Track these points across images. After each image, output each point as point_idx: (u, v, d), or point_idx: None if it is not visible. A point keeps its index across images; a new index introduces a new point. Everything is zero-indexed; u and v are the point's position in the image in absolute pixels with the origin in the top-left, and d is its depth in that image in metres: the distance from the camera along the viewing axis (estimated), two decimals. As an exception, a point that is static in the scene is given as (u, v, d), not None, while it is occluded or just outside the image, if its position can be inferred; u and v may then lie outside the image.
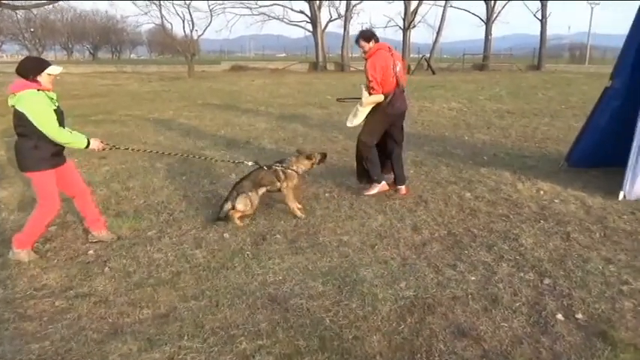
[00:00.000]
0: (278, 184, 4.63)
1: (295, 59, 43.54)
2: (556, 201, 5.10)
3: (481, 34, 40.02)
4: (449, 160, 6.93)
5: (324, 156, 4.93)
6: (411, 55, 38.79)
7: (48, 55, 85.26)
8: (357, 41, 5.07)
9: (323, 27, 37.15)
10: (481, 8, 39.62)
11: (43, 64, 3.68)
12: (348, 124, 5.30)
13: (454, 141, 8.48)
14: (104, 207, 5.09)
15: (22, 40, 78.96)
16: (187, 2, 30.91)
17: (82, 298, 3.20)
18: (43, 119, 3.54)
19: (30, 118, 3.50)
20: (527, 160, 6.95)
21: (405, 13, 36.91)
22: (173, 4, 42.17)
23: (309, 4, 36.52)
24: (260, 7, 38.16)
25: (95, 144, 3.88)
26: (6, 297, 3.26)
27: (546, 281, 3.38)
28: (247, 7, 37.97)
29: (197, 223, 4.57)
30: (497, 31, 39.11)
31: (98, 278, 3.49)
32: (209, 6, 33.73)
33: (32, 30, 67.74)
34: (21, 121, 3.55)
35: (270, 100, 15.03)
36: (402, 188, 5.33)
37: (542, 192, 5.40)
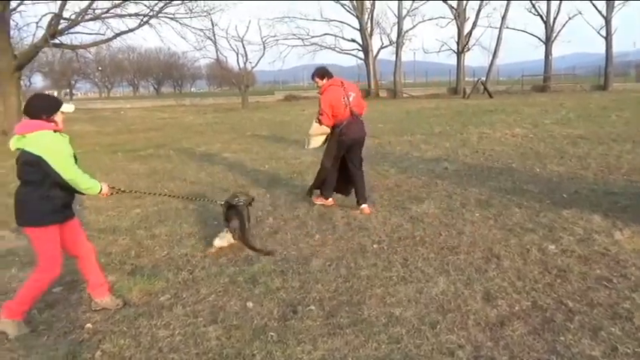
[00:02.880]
0: None
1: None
2: (671, 257, 3.97)
3: (539, 54, 38.15)
4: (520, 199, 5.88)
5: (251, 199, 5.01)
6: (466, 79, 37.43)
7: (116, 92, 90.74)
8: (312, 77, 5.68)
9: (375, 54, 36.69)
10: (539, 28, 37.66)
11: (58, 102, 3.29)
12: (305, 147, 6.04)
13: (524, 174, 7.38)
14: (121, 261, 4.51)
15: (92, 79, 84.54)
16: (241, 37, 31.48)
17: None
18: (66, 163, 3.11)
19: (49, 161, 3.03)
20: (619, 199, 5.77)
21: (459, 37, 35.89)
22: (227, 39, 43.26)
23: (361, 32, 36.28)
24: (312, 37, 38.37)
25: (105, 189, 3.41)
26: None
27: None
28: (299, 38, 38.27)
29: (218, 285, 3.84)
30: (556, 50, 36.93)
31: (84, 369, 2.80)
32: (262, 39, 34.12)
33: (100, 69, 72.07)
34: (32, 166, 3.06)
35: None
36: (365, 207, 5.65)
37: (648, 243, 4.27)
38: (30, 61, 15.28)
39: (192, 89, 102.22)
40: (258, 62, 46.76)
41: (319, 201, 6.00)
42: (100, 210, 6.28)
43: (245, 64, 33.13)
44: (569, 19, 37.79)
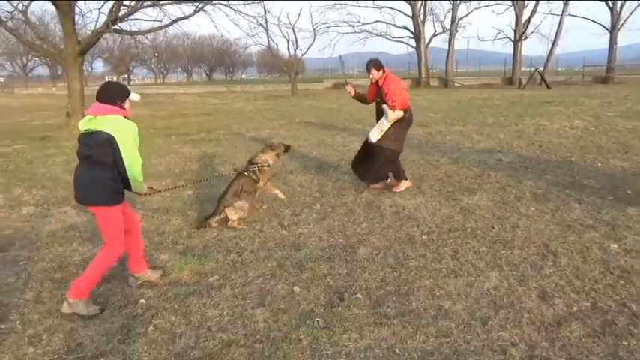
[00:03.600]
0: (258, 184, 5.17)
1: (398, 75, 42.51)
2: None
3: (601, 43, 35.87)
4: (580, 195, 5.58)
5: (287, 147, 5.67)
6: (522, 69, 35.86)
7: (170, 78, 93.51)
8: (368, 68, 5.85)
9: (427, 42, 35.78)
10: (604, 15, 35.33)
11: (128, 90, 3.39)
12: (373, 139, 5.93)
13: (584, 169, 7.00)
14: (173, 240, 4.64)
15: (149, 65, 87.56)
16: (292, 24, 31.55)
17: (109, 372, 2.62)
18: (133, 150, 3.21)
19: (121, 145, 3.14)
20: (690, 197, 5.37)
21: (517, 24, 34.30)
22: (279, 26, 43.46)
23: (413, 19, 35.44)
24: (362, 24, 37.86)
25: (145, 190, 3.54)
26: (33, 358, 2.78)
27: None
28: (350, 25, 37.85)
29: (267, 268, 3.88)
30: (621, 39, 34.55)
31: (138, 341, 2.90)
32: (313, 26, 33.96)
33: (157, 55, 74.37)
34: (104, 147, 3.14)
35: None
36: (406, 182, 6.14)
37: None
38: (92, 47, 15.88)
39: (242, 76, 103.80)
40: (308, 49, 46.81)
41: (403, 186, 6.06)
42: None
43: (295, 51, 33.21)
44: (638, 5, 35.32)
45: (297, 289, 3.47)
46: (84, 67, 18.24)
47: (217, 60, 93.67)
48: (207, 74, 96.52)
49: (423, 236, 4.45)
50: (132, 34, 16.09)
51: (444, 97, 21.80)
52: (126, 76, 77.81)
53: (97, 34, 14.50)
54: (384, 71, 5.83)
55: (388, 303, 3.22)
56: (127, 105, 3.31)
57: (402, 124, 5.88)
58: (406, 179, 6.16)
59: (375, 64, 5.80)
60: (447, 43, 35.15)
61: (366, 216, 5.13)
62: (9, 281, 3.87)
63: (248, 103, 25.04)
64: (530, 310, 3.06)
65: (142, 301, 3.43)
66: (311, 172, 7.44)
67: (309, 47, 41.45)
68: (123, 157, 3.15)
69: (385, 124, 5.79)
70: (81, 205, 3.52)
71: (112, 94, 3.26)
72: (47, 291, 3.65)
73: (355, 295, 3.33)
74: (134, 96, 3.38)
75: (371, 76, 5.82)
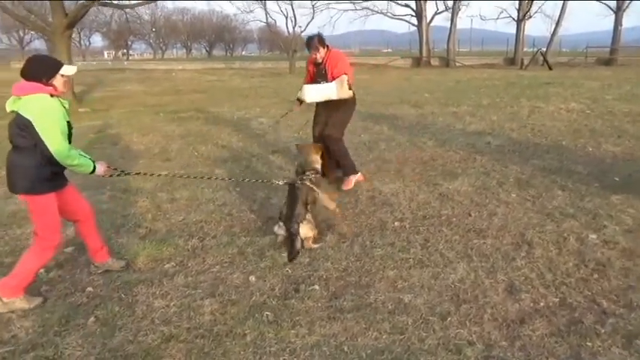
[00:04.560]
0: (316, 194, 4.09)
1: (398, 54, 41.87)
2: None
3: (606, 24, 35.13)
4: (566, 181, 5.37)
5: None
6: (525, 49, 35.22)
7: (170, 54, 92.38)
8: (309, 45, 5.09)
9: (428, 20, 35.09)
10: (611, -5, 34.50)
11: (57, 64, 3.03)
12: (308, 99, 5.21)
13: (574, 153, 6.77)
14: (136, 223, 4.46)
15: (147, 40, 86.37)
16: (291, 1, 30.87)
17: (36, 368, 2.45)
18: (54, 133, 2.87)
19: (39, 129, 2.83)
20: (680, 185, 5.15)
21: (520, 3, 33.58)
22: (277, 2, 42.58)
23: (415, -4, 34.71)
24: (363, 1, 37.12)
25: (101, 169, 3.21)
26: (-39, 351, 2.62)
27: None
28: (351, 2, 37.11)
29: (226, 255, 3.70)
30: (627, 20, 33.82)
31: (75, 334, 2.73)
32: (312, 2, 33.27)
33: (154, 30, 73.32)
34: (24, 131, 2.86)
35: (363, 98, 13.83)
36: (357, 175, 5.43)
37: None
38: (79, 20, 15.47)
39: (243, 53, 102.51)
40: (307, 26, 45.99)
41: (352, 182, 5.32)
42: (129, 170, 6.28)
43: (294, 28, 32.65)
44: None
45: (252, 278, 3.30)
46: (82, 42, 17.84)
47: (217, 36, 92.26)
48: (206, 50, 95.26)
49: (395, 223, 4.25)
50: (119, 6, 15.73)
51: (443, 77, 21.41)
52: (124, 50, 76.76)
53: (84, 7, 14.10)
54: (328, 48, 5.09)
55: (346, 295, 3.04)
56: (57, 81, 2.98)
57: (349, 109, 5.27)
58: (357, 172, 5.45)
59: (319, 39, 5.03)
60: (449, 22, 34.48)
61: (340, 200, 4.92)
62: (-43, 265, 3.70)
63: (245, 80, 24.64)
64: (494, 306, 2.89)
65: (90, 289, 3.26)
66: (293, 153, 7.22)
67: (308, 24, 40.74)
68: (45, 142, 2.85)
69: (330, 93, 5.01)
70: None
71: (37, 71, 2.93)
72: (-6, 276, 3.47)
73: (312, 287, 3.15)
74: (68, 69, 3.03)
75: (317, 54, 5.03)
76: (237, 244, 3.90)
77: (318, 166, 4.34)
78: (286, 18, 32.33)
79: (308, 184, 4.02)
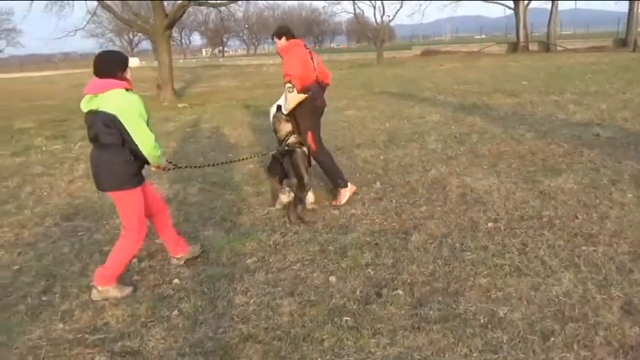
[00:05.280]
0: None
1: (493, 40, 39.59)
2: None
3: None
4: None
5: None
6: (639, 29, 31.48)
7: (262, 49, 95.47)
8: (272, 37, 4.70)
9: (527, 2, 32.67)
10: None
11: (126, 58, 3.10)
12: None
13: None
14: (222, 217, 4.53)
15: (241, 37, 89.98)
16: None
17: (122, 358, 2.52)
18: (141, 126, 2.92)
19: (126, 124, 2.88)
20: None
21: (637, -23, 30.00)
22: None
23: (512, -24, 32.49)
24: (456, -14, 35.48)
25: (164, 164, 3.31)
26: (59, 336, 2.77)
27: None
28: (442, -12, 35.62)
29: (307, 253, 3.62)
30: None
31: (159, 326, 2.79)
32: (401, -10, 32.49)
33: (247, 26, 76.06)
34: (111, 127, 2.90)
35: (453, 88, 13.33)
36: (344, 190, 4.67)
37: None
38: (177, 20, 16.38)
39: (331, 45, 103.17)
40: (395, 15, 45.04)
41: (344, 197, 4.64)
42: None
43: (382, 17, 32.12)
44: None
45: (333, 279, 3.17)
46: (182, 41, 18.95)
47: (306, 29, 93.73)
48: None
49: (489, 224, 3.90)
50: (213, 5, 16.32)
51: (542, 63, 19.81)
52: (220, 48, 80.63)
53: (181, 7, 14.87)
54: (289, 39, 4.48)
55: (432, 304, 2.81)
56: (128, 75, 3.01)
57: (302, 114, 4.38)
58: (347, 186, 4.69)
59: (277, 31, 4.55)
60: (550, 3, 31.85)
61: (428, 197, 4.66)
62: (63, 252, 3.99)
63: (332, 72, 24.65)
64: (608, 327, 2.49)
65: (176, 281, 3.34)
66: (379, 146, 7.00)
67: (396, 13, 39.81)
68: (132, 136, 2.90)
69: (284, 104, 4.40)
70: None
71: (111, 67, 2.94)
72: (93, 264, 3.68)
73: (395, 292, 2.95)
74: (134, 61, 3.10)
75: (275, 47, 4.60)
76: (318, 240, 3.80)
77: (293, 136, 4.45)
78: (374, 8, 31.72)
79: (301, 149, 4.37)
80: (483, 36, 65.89)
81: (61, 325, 2.88)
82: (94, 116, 2.92)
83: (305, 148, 4.43)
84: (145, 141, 2.94)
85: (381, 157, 6.32)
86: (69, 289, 3.33)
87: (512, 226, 3.84)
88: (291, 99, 4.27)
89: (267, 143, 7.76)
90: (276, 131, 4.57)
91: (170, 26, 15.66)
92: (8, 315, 3.03)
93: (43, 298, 3.22)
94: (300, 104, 4.30)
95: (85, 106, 2.98)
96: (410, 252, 3.49)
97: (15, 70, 55.32)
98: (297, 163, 4.34)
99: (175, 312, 2.93)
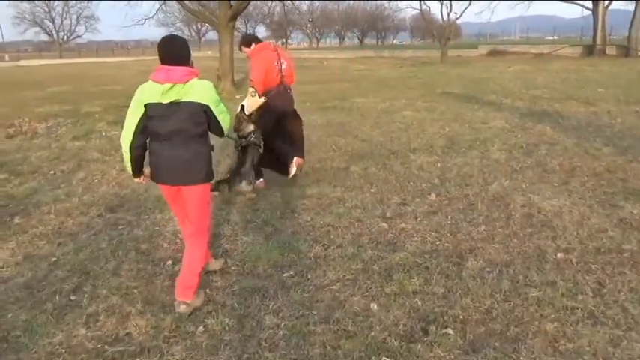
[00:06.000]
0: None
1: (566, 42, 37.29)
2: None
3: None
4: None
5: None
6: None
7: (324, 43, 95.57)
8: (239, 48, 5.11)
9: (606, 3, 30.39)
10: None
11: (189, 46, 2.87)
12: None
13: None
14: (264, 221, 4.30)
15: (304, 30, 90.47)
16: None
17: (138, 378, 2.33)
18: (227, 113, 2.88)
19: (216, 112, 2.75)
20: None
21: None
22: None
23: (593, -26, 30.29)
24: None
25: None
26: (79, 344, 2.63)
27: None
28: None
29: (349, 271, 3.31)
30: None
31: (181, 344, 2.59)
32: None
33: (311, 20, 76.26)
34: (200, 117, 2.72)
35: (521, 92, 12.51)
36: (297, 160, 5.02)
37: None
38: (241, 12, 16.44)
39: (394, 41, 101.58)
40: (463, 13, 43.42)
41: (240, 189, 4.83)
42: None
43: (449, 14, 31.02)
44: None
45: (374, 306, 2.85)
46: (248, 33, 19.09)
47: (370, 25, 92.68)
48: (359, 39, 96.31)
49: (558, 254, 3.42)
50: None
51: (621, 69, 18.31)
52: (284, 40, 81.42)
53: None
54: (257, 44, 4.89)
55: (487, 349, 2.42)
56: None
57: (263, 113, 4.73)
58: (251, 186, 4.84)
59: (243, 41, 4.98)
60: (634, 4, 29.41)
61: (488, 215, 4.21)
62: (101, 246, 3.91)
63: (393, 69, 24.10)
64: None
65: (207, 290, 3.13)
66: (437, 152, 6.56)
67: (465, 10, 38.39)
68: (220, 122, 2.81)
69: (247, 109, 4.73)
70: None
71: (185, 52, 2.73)
72: (127, 263, 3.57)
73: (445, 330, 2.59)
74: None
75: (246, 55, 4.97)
76: (362, 257, 3.48)
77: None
78: (441, 4, 30.65)
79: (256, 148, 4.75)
80: (556, 37, 62.42)
81: (83, 331, 2.74)
82: (176, 107, 2.65)
83: (261, 149, 4.82)
84: (229, 127, 2.97)
85: (438, 165, 5.89)
86: (99, 289, 3.21)
87: (586, 259, 3.34)
88: (251, 103, 4.66)
89: (316, 142, 7.52)
90: (237, 130, 4.75)
91: (234, 17, 15.71)
92: (36, 313, 2.94)
93: (72, 298, 3.12)
94: (260, 107, 4.69)
95: (165, 96, 2.62)
96: (464, 281, 3.10)
97: (92, 55, 58.61)
98: (246, 157, 4.74)
99: (201, 328, 2.72)
